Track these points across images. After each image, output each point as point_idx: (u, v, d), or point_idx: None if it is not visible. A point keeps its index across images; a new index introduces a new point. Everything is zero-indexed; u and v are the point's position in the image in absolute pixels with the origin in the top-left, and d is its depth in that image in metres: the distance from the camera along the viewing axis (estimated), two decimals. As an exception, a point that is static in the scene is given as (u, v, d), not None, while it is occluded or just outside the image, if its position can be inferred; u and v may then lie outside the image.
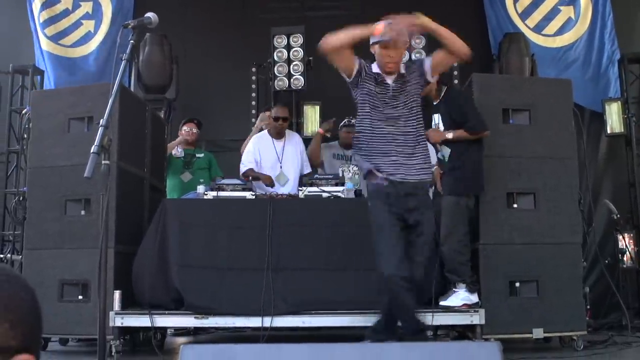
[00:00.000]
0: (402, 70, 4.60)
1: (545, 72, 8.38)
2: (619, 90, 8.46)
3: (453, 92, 5.64)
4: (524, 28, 8.75)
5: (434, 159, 6.07)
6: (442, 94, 5.51)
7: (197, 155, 7.34)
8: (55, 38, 8.84)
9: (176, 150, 7.12)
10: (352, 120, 7.43)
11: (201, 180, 6.53)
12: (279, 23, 8.40)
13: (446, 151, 5.54)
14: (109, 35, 8.88)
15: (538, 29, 8.76)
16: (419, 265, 4.48)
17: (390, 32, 4.35)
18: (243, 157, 6.63)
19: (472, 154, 5.41)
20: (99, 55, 8.83)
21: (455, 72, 8.05)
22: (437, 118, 5.58)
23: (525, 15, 8.81)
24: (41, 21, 8.81)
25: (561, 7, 8.77)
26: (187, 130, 7.30)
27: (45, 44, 8.80)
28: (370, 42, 4.54)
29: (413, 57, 8.23)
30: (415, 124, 4.56)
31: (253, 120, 7.79)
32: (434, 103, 5.63)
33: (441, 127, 5.49)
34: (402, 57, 4.62)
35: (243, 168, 6.51)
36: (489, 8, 8.91)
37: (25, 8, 8.84)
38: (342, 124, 7.46)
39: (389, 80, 4.55)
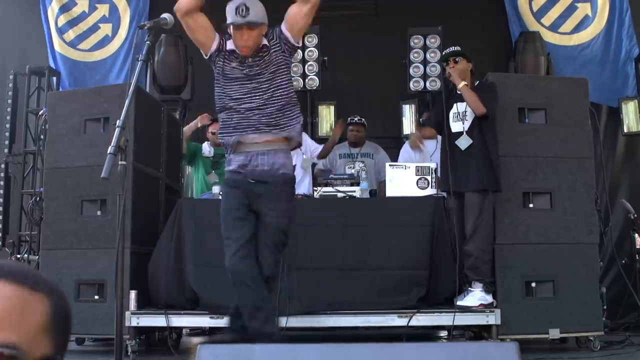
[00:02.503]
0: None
1: (561, 72, 8.33)
2: (636, 88, 8.39)
3: (487, 82, 5.62)
4: (539, 27, 8.70)
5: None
6: (476, 84, 5.49)
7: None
8: (75, 43, 8.89)
9: (205, 150, 7.06)
10: (355, 119, 7.42)
11: (216, 180, 6.53)
12: (293, 23, 8.39)
13: (465, 141, 5.41)
14: (127, 39, 8.92)
15: (554, 27, 8.70)
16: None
17: None
18: None
19: (494, 147, 5.36)
20: (117, 60, 8.88)
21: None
22: (462, 106, 5.44)
23: (540, 14, 8.75)
24: (59, 26, 8.86)
25: (578, 5, 8.71)
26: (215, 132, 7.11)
27: (63, 50, 8.85)
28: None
29: (428, 56, 8.23)
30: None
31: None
32: (458, 92, 5.54)
33: (469, 115, 5.39)
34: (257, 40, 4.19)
35: None
36: (508, 4, 8.86)
37: (39, 8, 8.89)
38: (348, 121, 7.45)
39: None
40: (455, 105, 5.51)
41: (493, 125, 5.40)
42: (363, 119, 7.58)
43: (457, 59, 5.51)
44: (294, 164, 6.81)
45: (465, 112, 5.40)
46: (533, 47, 8.22)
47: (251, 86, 4.18)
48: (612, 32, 8.57)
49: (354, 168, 6.70)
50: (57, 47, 8.86)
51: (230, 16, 4.03)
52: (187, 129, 7.23)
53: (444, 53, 5.99)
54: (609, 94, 8.34)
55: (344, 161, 7.26)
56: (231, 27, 4.10)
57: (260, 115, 4.17)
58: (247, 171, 4.23)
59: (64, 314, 1.05)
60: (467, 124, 5.40)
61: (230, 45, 4.22)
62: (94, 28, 8.97)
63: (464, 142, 5.40)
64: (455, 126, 5.48)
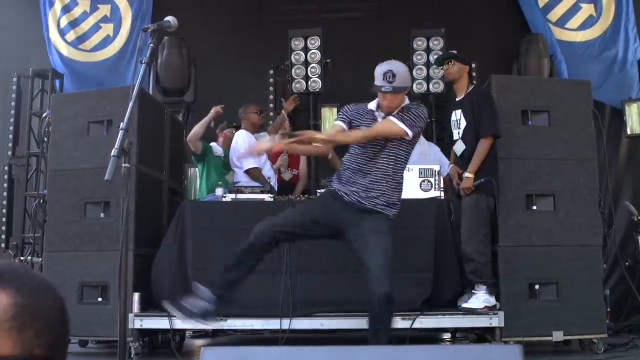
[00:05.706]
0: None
1: (569, 68, 8.31)
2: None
3: (479, 89, 5.61)
4: (546, 23, 8.68)
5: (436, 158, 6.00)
6: (469, 90, 5.49)
7: None
8: (75, 43, 8.90)
9: (218, 149, 7.03)
10: None
11: (219, 182, 6.51)
12: (296, 25, 8.40)
13: (459, 147, 5.48)
14: (130, 40, 8.92)
15: (561, 22, 8.66)
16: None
17: None
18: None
19: (489, 153, 5.38)
20: (119, 60, 8.88)
21: (474, 74, 8.01)
22: (458, 114, 5.48)
23: (546, 9, 8.72)
24: (62, 27, 8.87)
25: (582, 5, 8.67)
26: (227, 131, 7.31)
27: (65, 50, 8.86)
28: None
29: (431, 58, 8.22)
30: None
31: (270, 122, 7.79)
32: (457, 99, 5.57)
33: (462, 123, 5.42)
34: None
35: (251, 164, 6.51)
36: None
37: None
38: None
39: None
40: (454, 112, 5.56)
41: None
42: None
43: (450, 62, 5.55)
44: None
45: (460, 119, 5.46)
46: (536, 49, 8.20)
47: None
48: (619, 31, 8.50)
49: None
50: (60, 49, 8.86)
51: (378, 80, 4.36)
52: (200, 126, 7.12)
53: (436, 58, 6.02)
54: (615, 93, 8.30)
55: None
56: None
57: None
58: None
59: (36, 314, 1.00)
60: (461, 131, 5.46)
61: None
62: (95, 28, 8.96)
63: (459, 148, 5.51)
64: (455, 133, 5.56)
